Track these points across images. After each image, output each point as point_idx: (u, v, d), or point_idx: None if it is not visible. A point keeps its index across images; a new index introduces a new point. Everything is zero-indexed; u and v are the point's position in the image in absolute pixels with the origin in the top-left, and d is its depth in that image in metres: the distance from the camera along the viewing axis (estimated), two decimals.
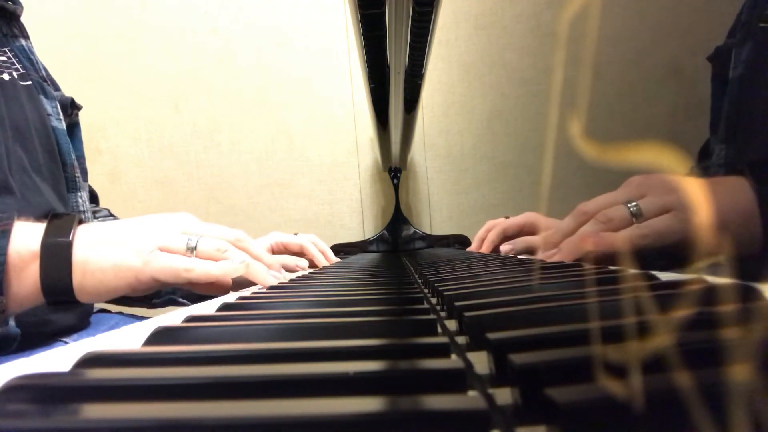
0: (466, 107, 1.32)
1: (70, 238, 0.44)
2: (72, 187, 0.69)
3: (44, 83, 0.69)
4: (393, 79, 0.65)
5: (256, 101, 1.34)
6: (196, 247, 0.48)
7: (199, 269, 0.46)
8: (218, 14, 1.33)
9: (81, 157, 0.74)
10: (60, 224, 0.45)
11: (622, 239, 0.48)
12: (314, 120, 1.34)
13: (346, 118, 1.33)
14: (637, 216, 0.50)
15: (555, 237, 0.57)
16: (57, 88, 0.74)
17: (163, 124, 1.34)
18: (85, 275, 0.44)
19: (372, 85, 0.69)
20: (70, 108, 0.74)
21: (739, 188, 0.49)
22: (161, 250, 0.47)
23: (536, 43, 1.29)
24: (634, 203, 0.51)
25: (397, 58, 0.59)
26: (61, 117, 0.69)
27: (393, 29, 0.52)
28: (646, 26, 1.28)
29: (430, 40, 0.56)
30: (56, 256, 0.43)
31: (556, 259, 0.53)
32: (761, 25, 0.62)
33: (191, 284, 0.50)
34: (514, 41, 1.30)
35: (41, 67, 0.71)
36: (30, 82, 0.65)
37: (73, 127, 0.75)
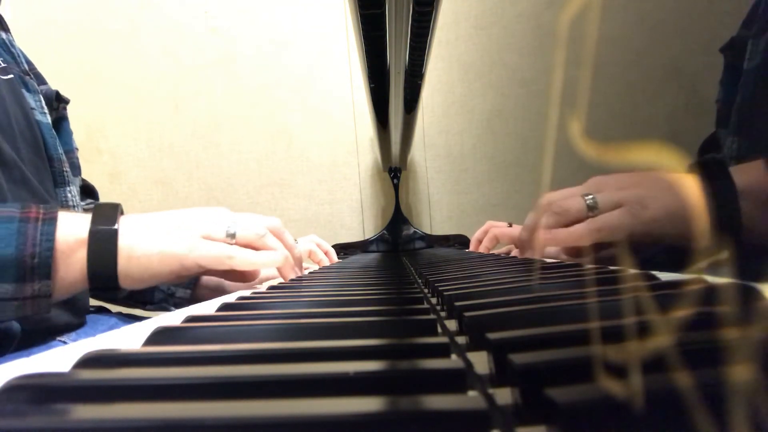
0: (466, 107, 1.32)
1: (116, 227, 0.46)
2: (60, 181, 0.68)
3: (27, 76, 0.67)
4: (393, 79, 0.65)
5: (256, 101, 1.34)
6: (235, 234, 0.50)
7: (239, 257, 0.48)
8: (218, 14, 1.33)
9: (71, 151, 0.73)
10: (105, 213, 0.47)
11: (576, 234, 0.50)
12: (314, 120, 1.34)
13: (346, 117, 1.33)
14: (592, 208, 0.51)
15: (522, 234, 0.59)
16: (42, 82, 0.72)
17: (163, 124, 1.34)
18: (130, 261, 0.46)
19: (372, 85, 0.69)
20: (56, 101, 0.72)
21: (688, 183, 0.49)
22: (204, 238, 0.49)
23: (536, 43, 1.29)
24: (590, 196, 0.52)
25: (397, 58, 0.59)
26: (46, 111, 0.68)
27: (393, 29, 0.52)
28: (646, 26, 1.28)
29: (430, 40, 0.56)
30: (103, 243, 0.45)
31: (529, 256, 0.56)
32: None
33: (227, 274, 0.53)
34: (514, 41, 1.30)
35: (23, 60, 0.69)
36: (11, 76, 0.63)
37: (61, 121, 0.74)
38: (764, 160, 0.48)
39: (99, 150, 1.34)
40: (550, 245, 0.51)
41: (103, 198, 0.89)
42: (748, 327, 0.10)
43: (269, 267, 0.51)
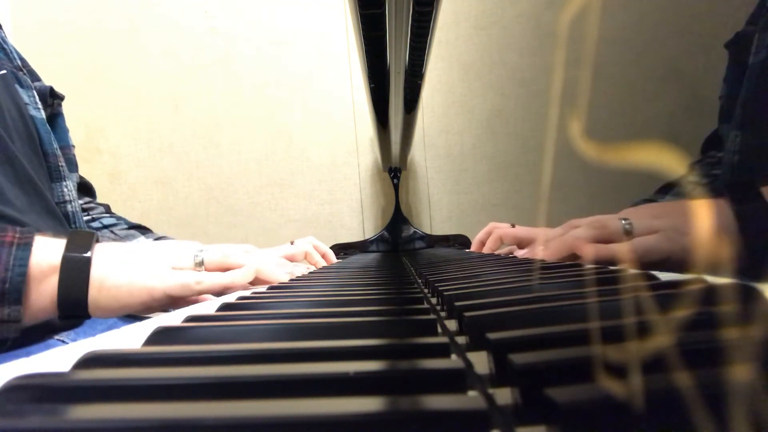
0: (466, 107, 1.32)
1: (89, 255, 0.46)
2: (56, 176, 0.68)
3: (20, 72, 0.67)
4: (393, 79, 0.65)
5: (256, 101, 1.34)
6: (203, 261, 0.51)
7: (207, 280, 0.49)
8: (218, 14, 1.33)
9: (66, 147, 0.73)
10: (79, 241, 0.46)
11: (614, 252, 0.51)
12: (314, 120, 1.34)
13: (346, 117, 1.33)
14: (629, 232, 0.53)
15: (546, 248, 0.60)
16: (36, 78, 0.72)
17: (163, 124, 1.34)
18: (101, 291, 0.46)
19: (372, 85, 0.69)
20: (50, 97, 0.73)
21: (720, 209, 0.51)
22: (174, 269, 0.50)
23: (536, 43, 1.29)
24: (627, 220, 0.54)
25: (397, 58, 0.59)
26: (40, 106, 0.68)
27: (393, 29, 0.52)
28: (646, 26, 1.28)
29: (430, 40, 0.56)
30: (75, 271, 0.45)
31: (542, 255, 0.56)
32: None
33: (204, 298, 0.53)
34: (514, 41, 1.30)
35: (16, 57, 0.70)
36: (4, 71, 0.64)
37: (56, 117, 0.74)
38: None
39: (99, 150, 1.34)
40: (588, 255, 0.52)
41: (103, 198, 0.89)
42: (748, 327, 0.10)
43: (240, 283, 0.51)
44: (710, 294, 0.16)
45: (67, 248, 0.45)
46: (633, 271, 0.29)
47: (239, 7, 1.33)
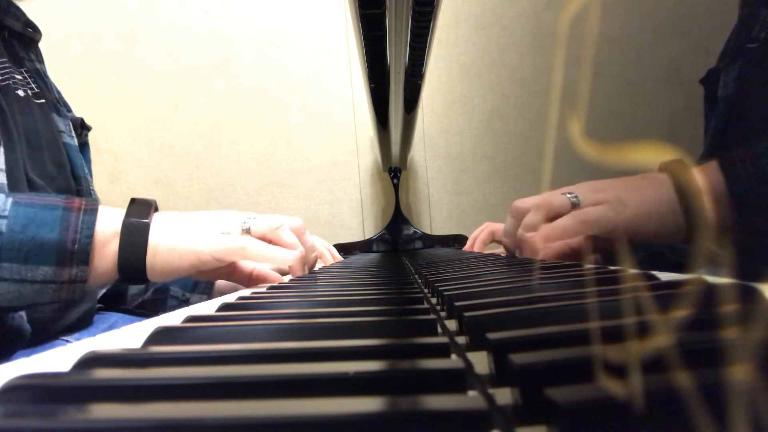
0: (466, 107, 1.32)
1: (148, 221, 0.48)
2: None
3: (57, 103, 0.72)
4: (393, 79, 0.65)
5: (256, 101, 1.34)
6: (250, 228, 0.53)
7: (252, 248, 0.50)
8: (218, 14, 1.33)
9: (90, 175, 0.77)
10: (139, 208, 0.49)
11: (561, 227, 0.51)
12: (314, 120, 1.34)
13: (346, 117, 1.33)
14: (575, 205, 0.53)
15: (506, 242, 0.61)
16: (69, 110, 0.77)
17: (163, 124, 1.34)
18: (155, 256, 0.48)
19: (372, 85, 0.69)
20: (80, 128, 0.78)
21: (660, 183, 0.51)
22: (221, 234, 0.52)
23: (536, 43, 1.29)
24: (573, 194, 0.54)
25: (397, 58, 0.59)
26: (74, 135, 0.73)
27: (393, 29, 0.52)
28: (646, 26, 1.28)
29: (430, 40, 0.56)
30: (134, 236, 0.48)
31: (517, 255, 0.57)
32: (749, 45, 0.63)
33: (243, 280, 0.55)
34: (514, 41, 1.30)
35: (54, 89, 0.74)
36: (43, 101, 0.67)
37: (82, 147, 0.78)
38: (718, 161, 0.49)
39: (99, 150, 1.34)
40: (537, 245, 0.52)
41: (103, 198, 0.89)
42: (748, 327, 0.10)
43: (281, 264, 0.53)
44: (710, 294, 0.16)
45: (128, 214, 0.48)
46: (632, 271, 0.29)
47: (239, 8, 1.33)
